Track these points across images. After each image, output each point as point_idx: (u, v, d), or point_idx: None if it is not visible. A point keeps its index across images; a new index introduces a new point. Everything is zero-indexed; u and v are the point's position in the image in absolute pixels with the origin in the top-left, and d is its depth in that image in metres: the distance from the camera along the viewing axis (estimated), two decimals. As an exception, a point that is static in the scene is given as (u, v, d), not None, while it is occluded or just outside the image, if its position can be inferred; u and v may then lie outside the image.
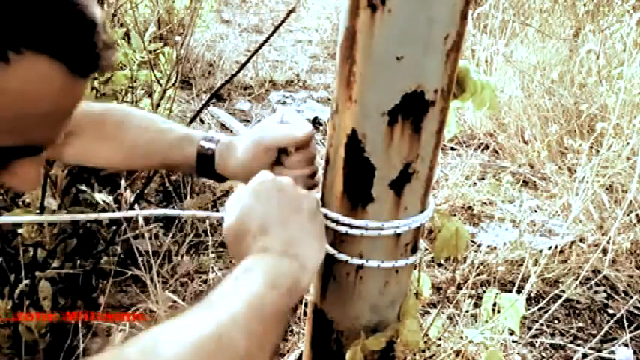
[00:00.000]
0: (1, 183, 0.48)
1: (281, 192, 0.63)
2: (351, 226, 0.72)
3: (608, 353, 1.49)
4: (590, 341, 1.56)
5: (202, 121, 2.94)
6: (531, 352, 1.54)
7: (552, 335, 1.63)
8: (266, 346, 0.54)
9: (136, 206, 1.64)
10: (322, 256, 0.64)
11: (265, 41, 1.28)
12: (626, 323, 1.64)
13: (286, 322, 0.59)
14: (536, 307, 1.58)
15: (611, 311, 1.74)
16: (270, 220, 0.61)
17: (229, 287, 0.55)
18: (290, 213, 0.63)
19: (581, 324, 1.68)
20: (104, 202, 1.48)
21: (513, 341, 1.56)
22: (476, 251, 1.89)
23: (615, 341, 1.58)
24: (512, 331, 1.09)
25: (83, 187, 1.49)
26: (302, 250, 0.61)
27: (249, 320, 0.52)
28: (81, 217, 0.81)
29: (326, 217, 0.74)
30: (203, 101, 2.62)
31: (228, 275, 0.57)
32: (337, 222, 0.73)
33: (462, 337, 1.41)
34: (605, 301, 1.78)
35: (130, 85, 1.61)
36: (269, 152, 0.75)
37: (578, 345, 1.57)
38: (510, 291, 1.03)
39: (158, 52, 1.69)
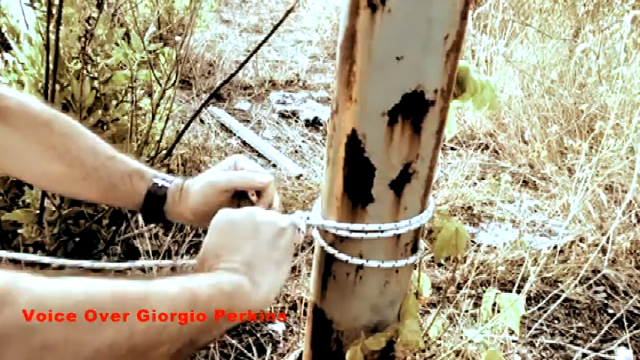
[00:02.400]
0: None
1: (235, 223, 0.64)
2: (350, 230, 0.72)
3: (608, 353, 1.49)
4: (590, 341, 1.56)
5: (202, 121, 2.94)
6: (531, 352, 1.54)
7: (552, 335, 1.63)
8: (193, 329, 0.51)
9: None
10: (281, 279, 0.64)
11: (264, 41, 1.28)
12: (626, 323, 1.64)
13: (225, 325, 0.56)
14: (536, 307, 1.58)
15: (611, 311, 1.74)
16: (223, 248, 0.62)
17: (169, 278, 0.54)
18: (244, 240, 0.63)
19: (581, 324, 1.68)
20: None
21: (513, 341, 1.56)
22: (476, 251, 1.89)
23: (615, 341, 1.58)
24: (512, 331, 1.09)
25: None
26: (256, 271, 0.61)
27: (177, 300, 0.51)
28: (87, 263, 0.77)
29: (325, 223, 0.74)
30: (203, 101, 2.62)
31: None
32: (337, 227, 0.73)
33: (462, 337, 1.41)
34: (605, 301, 1.78)
35: (130, 85, 1.60)
36: (223, 194, 0.75)
37: (578, 345, 1.57)
38: (510, 291, 1.03)
39: (158, 52, 1.68)
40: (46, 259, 0.75)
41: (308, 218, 0.75)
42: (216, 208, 0.74)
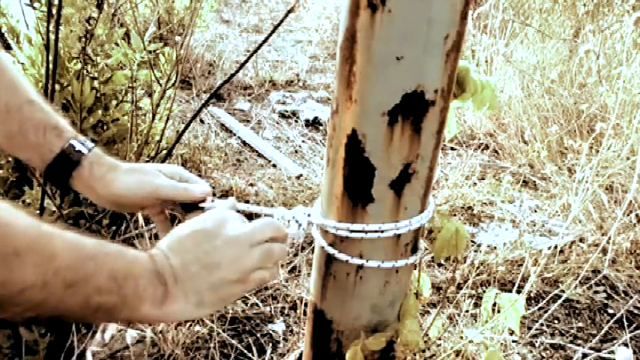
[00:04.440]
0: None
1: (211, 235, 0.57)
2: (350, 230, 0.72)
3: (608, 353, 1.49)
4: (590, 341, 1.56)
5: (202, 121, 2.94)
6: (531, 352, 1.54)
7: (552, 335, 1.63)
8: (64, 299, 0.45)
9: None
10: (191, 316, 0.55)
11: (265, 41, 1.28)
12: (626, 323, 1.64)
13: (105, 317, 0.49)
14: (536, 307, 1.58)
15: (611, 311, 1.74)
16: (178, 242, 0.57)
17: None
18: (198, 260, 0.55)
19: (581, 324, 1.68)
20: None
21: (513, 341, 1.56)
22: (476, 251, 1.89)
23: (615, 341, 1.58)
24: (512, 331, 1.09)
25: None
26: (177, 291, 0.54)
27: (66, 257, 0.45)
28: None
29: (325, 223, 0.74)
30: (203, 101, 2.62)
31: None
32: (337, 227, 0.73)
33: (462, 337, 1.41)
34: (605, 301, 1.78)
35: (130, 85, 1.60)
36: (159, 202, 0.72)
37: (578, 345, 1.57)
38: (510, 291, 1.03)
39: (158, 52, 1.68)
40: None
41: (309, 215, 0.75)
42: (138, 205, 0.71)
